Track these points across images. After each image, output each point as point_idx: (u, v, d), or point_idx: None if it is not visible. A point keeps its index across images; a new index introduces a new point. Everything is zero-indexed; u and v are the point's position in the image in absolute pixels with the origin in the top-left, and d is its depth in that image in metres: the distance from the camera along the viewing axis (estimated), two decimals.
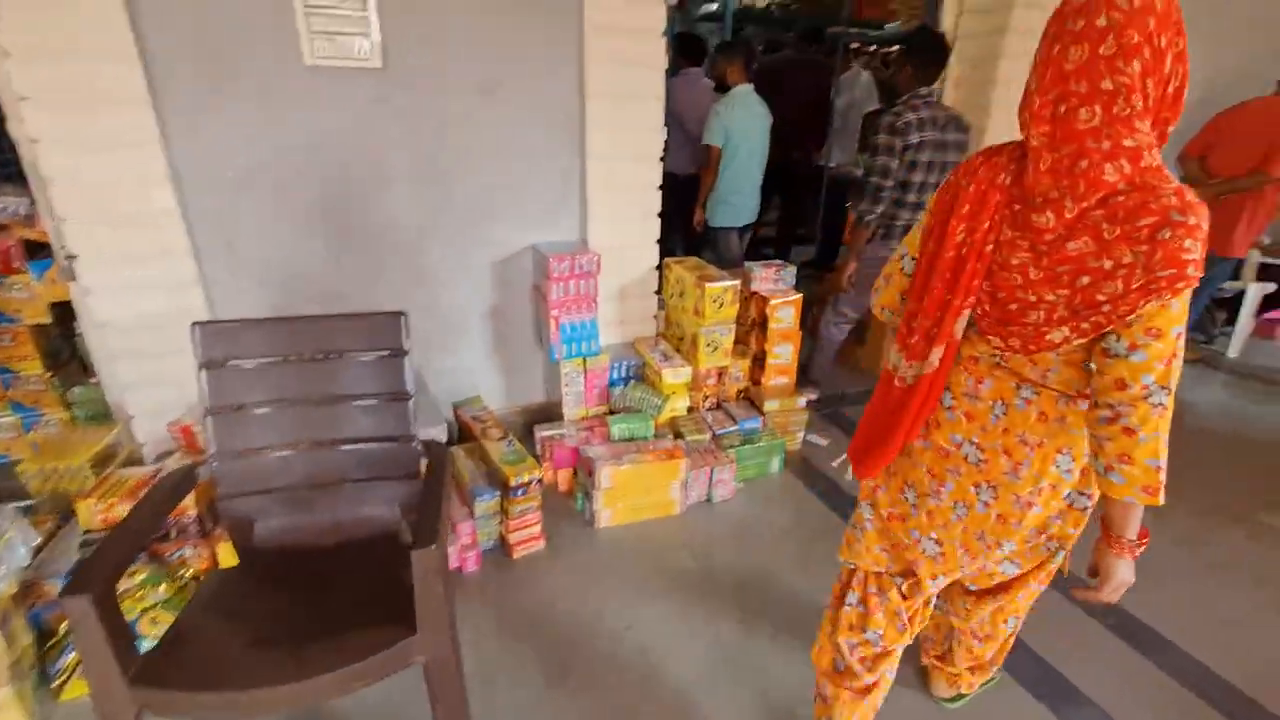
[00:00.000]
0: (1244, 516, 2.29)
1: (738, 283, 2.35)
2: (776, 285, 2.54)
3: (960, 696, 1.54)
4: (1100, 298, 0.86)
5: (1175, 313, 0.84)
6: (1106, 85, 0.83)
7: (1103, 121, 0.84)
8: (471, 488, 1.91)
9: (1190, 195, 0.83)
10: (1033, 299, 0.93)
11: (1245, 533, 2.21)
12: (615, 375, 2.47)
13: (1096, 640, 1.75)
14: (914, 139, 2.23)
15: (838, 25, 4.53)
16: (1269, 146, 3.04)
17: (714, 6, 5.34)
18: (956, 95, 3.08)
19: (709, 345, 2.39)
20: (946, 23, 3.03)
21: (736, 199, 3.16)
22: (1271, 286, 3.55)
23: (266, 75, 1.85)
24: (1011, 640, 1.43)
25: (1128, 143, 0.84)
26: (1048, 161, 0.89)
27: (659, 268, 2.58)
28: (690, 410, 2.49)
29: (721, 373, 2.50)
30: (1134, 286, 0.83)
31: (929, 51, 2.30)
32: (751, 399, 2.58)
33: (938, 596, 1.36)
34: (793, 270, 2.56)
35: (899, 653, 1.29)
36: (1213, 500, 2.35)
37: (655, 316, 2.67)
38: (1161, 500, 0.88)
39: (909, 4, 4.90)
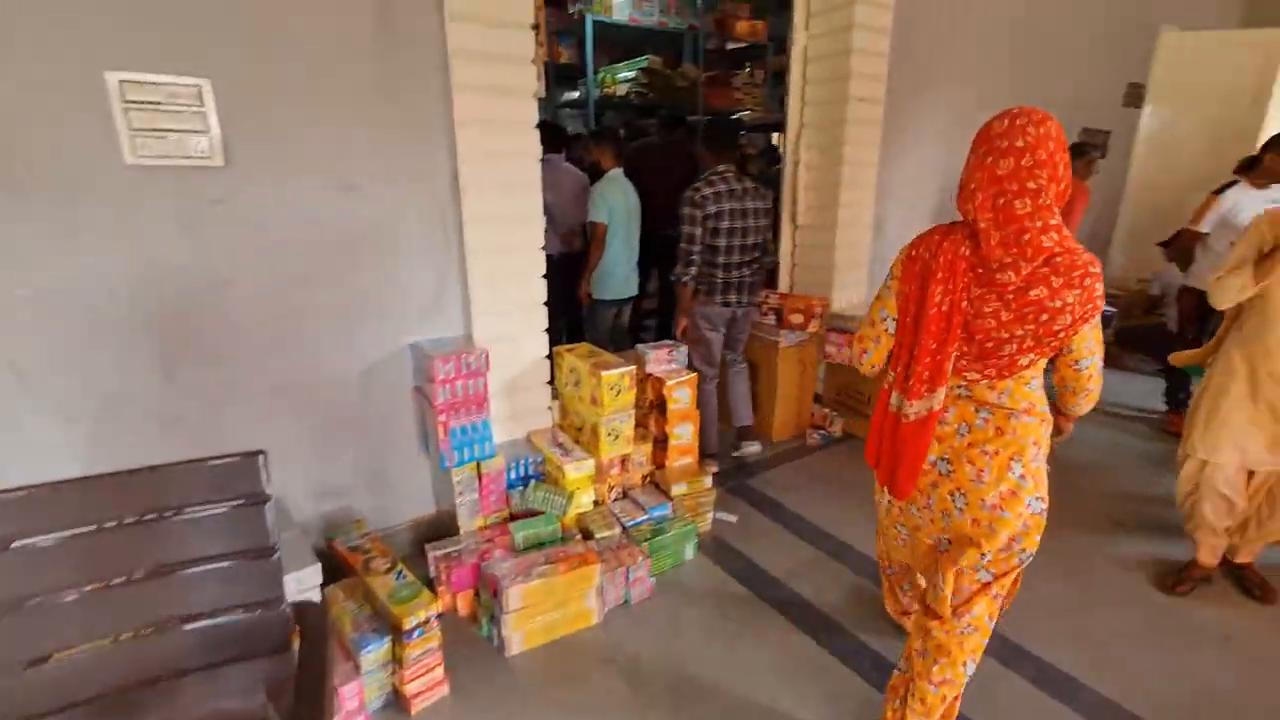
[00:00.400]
0: (1101, 545, 2.52)
1: (633, 368, 2.30)
2: (670, 366, 2.52)
3: None
4: (1056, 328, 1.21)
5: (1097, 330, 1.26)
6: (1031, 185, 1.18)
7: (1033, 209, 1.18)
8: (355, 637, 1.63)
9: (1071, 244, 1.20)
10: (1006, 335, 1.24)
11: (1106, 559, 2.43)
12: (514, 476, 2.29)
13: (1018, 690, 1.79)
14: (711, 209, 2.57)
15: (695, 114, 4.88)
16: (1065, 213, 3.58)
17: (576, 94, 5.56)
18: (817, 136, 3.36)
19: (610, 434, 2.29)
20: (792, 108, 3.33)
21: (617, 273, 3.31)
22: None
23: (74, 176, 1.58)
24: (956, 707, 1.47)
25: (1052, 221, 1.19)
26: (996, 238, 1.21)
27: (549, 356, 2.48)
28: (596, 504, 2.36)
29: (625, 460, 2.41)
30: (1077, 317, 1.20)
31: (720, 139, 2.71)
32: (657, 483, 2.50)
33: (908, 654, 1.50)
34: (684, 350, 2.56)
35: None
36: (1078, 527, 2.57)
37: (550, 407, 2.54)
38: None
39: (751, 94, 5.41)
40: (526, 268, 2.32)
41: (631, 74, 5.12)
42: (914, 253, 1.33)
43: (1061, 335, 1.22)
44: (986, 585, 1.37)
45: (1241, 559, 2.18)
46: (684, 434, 2.51)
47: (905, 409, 1.33)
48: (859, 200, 3.34)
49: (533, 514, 2.19)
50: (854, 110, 3.13)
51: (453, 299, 2.23)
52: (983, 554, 1.32)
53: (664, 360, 2.50)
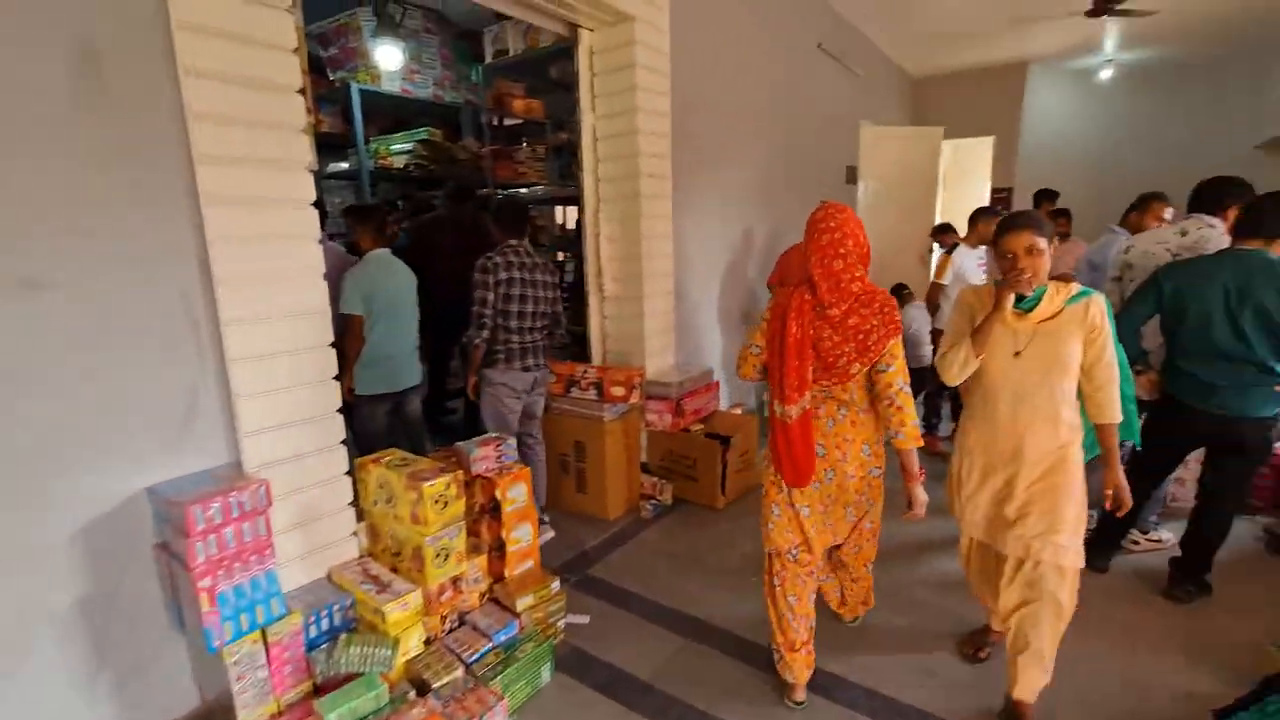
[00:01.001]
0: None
1: (458, 471, 2.00)
2: (501, 462, 2.25)
3: (857, 618, 2.34)
4: (870, 343, 1.75)
5: (899, 345, 1.77)
6: (842, 250, 1.74)
7: (845, 266, 1.75)
8: None
9: (874, 289, 1.80)
10: (839, 352, 1.76)
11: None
12: (316, 633, 1.80)
13: None
14: (503, 275, 2.70)
15: (484, 187, 4.74)
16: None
17: (345, 165, 5.08)
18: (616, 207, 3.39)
19: (439, 555, 1.94)
20: (586, 170, 3.37)
21: (390, 364, 2.89)
22: None
23: None
24: (870, 581, 2.29)
25: (859, 273, 1.78)
26: (825, 287, 1.76)
27: (350, 471, 2.06)
28: (429, 643, 1.96)
29: (457, 581, 2.05)
30: (882, 335, 1.74)
31: (512, 216, 2.85)
32: (499, 600, 2.18)
33: (830, 568, 2.24)
34: (513, 442, 2.32)
35: (811, 599, 1.96)
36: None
37: (355, 533, 2.09)
38: (922, 443, 1.84)
39: (535, 168, 5.47)
40: (312, 371, 1.91)
41: (409, 145, 4.83)
42: (775, 302, 1.88)
43: (874, 348, 1.76)
44: (863, 529, 2.04)
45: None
46: (523, 537, 2.24)
47: (787, 412, 1.82)
48: (661, 270, 3.45)
49: (348, 678, 1.73)
50: (646, 186, 3.26)
51: (210, 420, 1.73)
52: (846, 506, 1.92)
53: (491, 456, 2.22)
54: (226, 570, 1.57)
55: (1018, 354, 1.74)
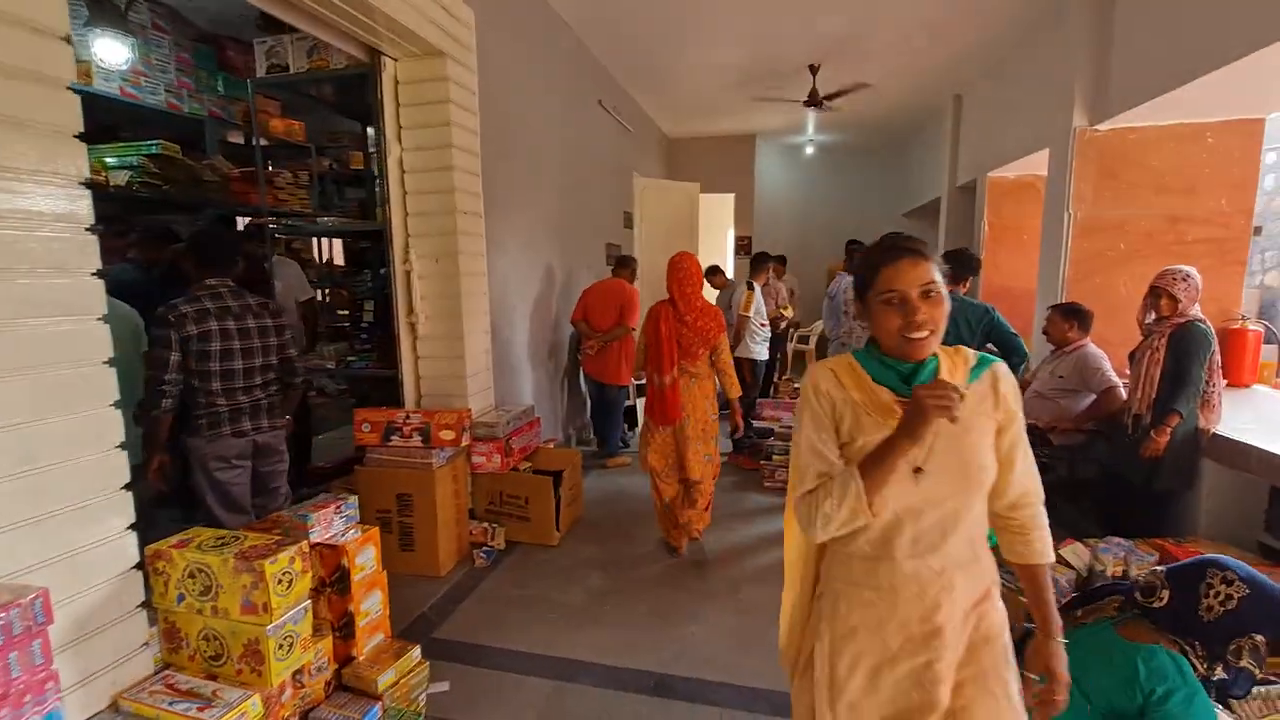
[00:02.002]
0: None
1: (302, 543, 1.71)
2: (346, 524, 1.97)
3: (697, 539, 3.27)
4: (709, 336, 2.98)
5: (725, 338, 3.07)
6: (692, 281, 3.03)
7: (694, 290, 3.02)
8: None
9: (708, 303, 3.05)
10: (691, 341, 2.97)
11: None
12: None
13: None
14: (191, 330, 2.22)
15: (247, 212, 4.09)
16: (620, 308, 4.40)
17: None
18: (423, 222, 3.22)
19: (282, 646, 1.63)
20: (392, 193, 3.17)
21: None
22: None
23: None
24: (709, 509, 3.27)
25: (703, 294, 3.08)
26: (682, 304, 2.97)
27: (140, 564, 1.62)
28: None
29: (298, 674, 1.74)
30: (716, 331, 3.01)
31: (211, 249, 2.39)
32: (350, 685, 1.88)
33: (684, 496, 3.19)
34: (354, 499, 2.04)
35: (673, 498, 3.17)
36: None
37: (147, 643, 1.64)
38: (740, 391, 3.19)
39: (297, 195, 4.88)
40: (92, 437, 1.49)
41: (133, 160, 3.96)
42: (652, 313, 3.03)
43: (711, 339, 3.00)
44: (711, 462, 3.12)
45: None
46: (374, 607, 1.98)
47: (663, 381, 2.98)
48: (479, 308, 3.37)
49: None
50: (463, 222, 3.19)
51: None
52: (697, 440, 3.04)
53: (331, 519, 1.93)
54: None
55: (918, 470, 1.06)
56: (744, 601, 2.77)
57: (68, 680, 1.43)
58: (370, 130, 3.96)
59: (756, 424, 4.98)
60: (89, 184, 1.48)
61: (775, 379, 5.62)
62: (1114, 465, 3.11)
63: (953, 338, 2.90)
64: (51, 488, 1.41)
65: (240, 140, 5.31)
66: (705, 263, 4.62)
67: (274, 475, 2.52)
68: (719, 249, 10.16)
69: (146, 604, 1.64)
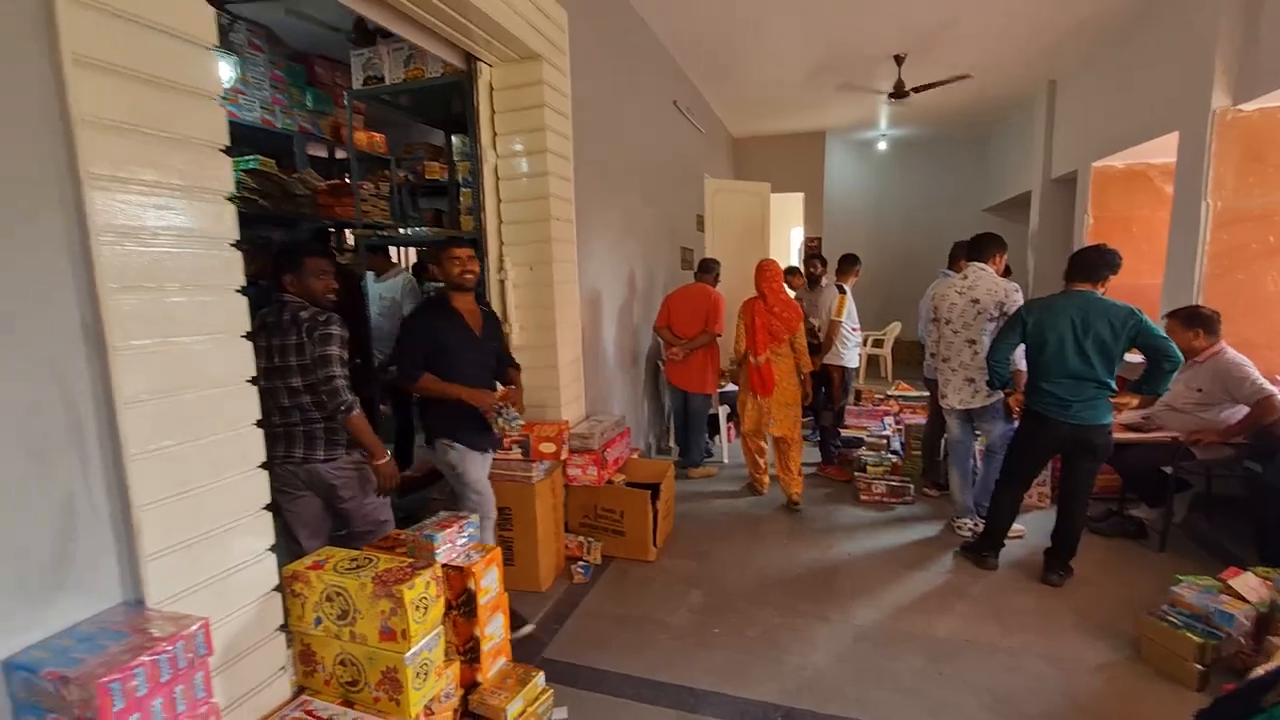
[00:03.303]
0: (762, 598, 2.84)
1: (435, 565, 1.64)
2: (464, 541, 1.90)
3: (798, 504, 3.86)
4: (792, 325, 3.80)
5: (803, 325, 3.87)
6: (778, 279, 3.89)
7: (780, 286, 3.89)
8: None
9: (790, 298, 3.92)
10: (777, 328, 3.78)
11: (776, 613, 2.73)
12: None
13: None
14: (259, 343, 2.04)
15: (335, 224, 4.16)
16: (706, 314, 4.26)
17: None
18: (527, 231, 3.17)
19: (419, 674, 1.56)
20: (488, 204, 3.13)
21: None
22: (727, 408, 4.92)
23: None
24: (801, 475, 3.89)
25: (783, 289, 3.90)
26: (770, 297, 3.81)
27: (279, 586, 1.59)
28: None
29: (432, 700, 1.67)
30: (796, 320, 3.81)
31: (286, 260, 2.22)
32: (477, 713, 1.81)
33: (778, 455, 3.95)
34: (475, 519, 1.97)
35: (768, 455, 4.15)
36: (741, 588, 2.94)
37: (284, 667, 1.61)
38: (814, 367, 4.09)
39: (378, 206, 4.96)
40: (239, 455, 1.46)
41: (235, 176, 4.07)
42: (745, 307, 3.85)
43: (792, 327, 3.78)
44: (795, 422, 3.85)
45: None
46: (497, 631, 1.90)
47: (757, 359, 3.77)
48: (571, 317, 3.30)
49: None
50: (556, 229, 3.12)
51: (93, 546, 1.21)
52: (786, 405, 3.82)
53: (455, 539, 1.86)
54: None
55: None
56: (861, 627, 2.59)
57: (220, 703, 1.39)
58: (454, 139, 3.98)
59: (845, 433, 4.75)
60: (231, 198, 1.45)
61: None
62: (1273, 481, 2.78)
63: (1095, 343, 2.68)
64: (201, 510, 1.38)
65: (323, 153, 5.45)
66: (781, 264, 4.60)
67: (350, 516, 2.25)
68: (783, 250, 9.93)
69: (284, 626, 1.60)
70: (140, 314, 1.25)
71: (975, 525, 3.35)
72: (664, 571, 3.08)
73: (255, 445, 1.51)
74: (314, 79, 4.81)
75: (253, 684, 1.50)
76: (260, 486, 1.52)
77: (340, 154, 5.35)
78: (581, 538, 3.12)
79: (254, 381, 1.50)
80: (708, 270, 4.55)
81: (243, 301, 1.47)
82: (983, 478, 3.41)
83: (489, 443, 2.58)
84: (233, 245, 1.45)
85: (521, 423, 2.49)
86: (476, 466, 2.54)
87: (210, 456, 1.39)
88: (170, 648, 1.12)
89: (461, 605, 1.83)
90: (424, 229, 3.94)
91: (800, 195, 8.49)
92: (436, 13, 2.48)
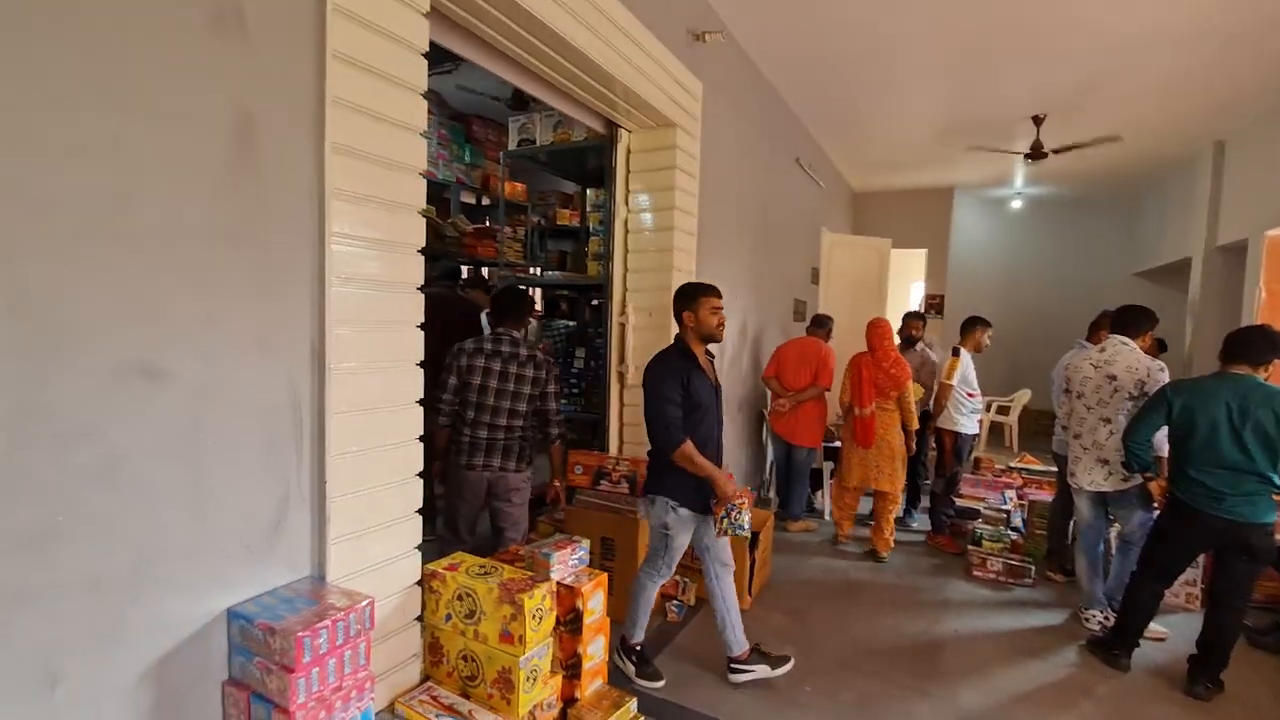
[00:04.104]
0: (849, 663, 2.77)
1: (551, 581, 1.83)
2: (576, 564, 2.08)
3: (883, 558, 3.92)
4: (899, 382, 3.84)
5: (910, 382, 3.90)
6: (888, 336, 3.97)
7: (891, 345, 3.95)
8: None
9: (900, 356, 3.97)
10: (884, 385, 3.85)
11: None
12: None
13: None
14: (464, 362, 2.61)
15: (469, 264, 4.68)
16: (815, 368, 4.27)
17: None
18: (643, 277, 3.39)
19: (529, 678, 1.73)
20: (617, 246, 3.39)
21: None
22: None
23: None
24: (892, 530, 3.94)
25: (895, 349, 3.96)
26: (879, 352, 3.90)
27: (420, 581, 1.83)
28: None
29: (536, 707, 1.83)
30: (904, 378, 3.85)
31: (507, 301, 2.74)
32: None
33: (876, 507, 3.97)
34: (586, 543, 2.15)
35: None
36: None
37: (416, 654, 1.84)
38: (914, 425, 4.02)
39: (513, 248, 5.48)
40: (403, 465, 1.73)
41: None
42: (854, 362, 3.95)
43: (900, 384, 3.83)
44: (896, 473, 3.90)
45: None
46: (598, 652, 2.05)
47: (864, 411, 3.85)
48: None
49: None
50: (677, 280, 3.32)
51: (297, 525, 1.50)
52: (891, 459, 3.87)
53: (567, 561, 2.05)
54: (328, 711, 1.32)
55: None
56: (966, 710, 2.46)
57: None
58: (589, 192, 4.36)
59: (960, 502, 4.51)
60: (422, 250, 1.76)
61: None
62: None
63: (1256, 433, 2.43)
64: (374, 506, 1.65)
65: (472, 200, 6.10)
66: (894, 320, 4.52)
67: (504, 514, 2.66)
68: (901, 307, 9.61)
69: (419, 619, 1.84)
70: (351, 342, 1.55)
71: (1106, 619, 3.07)
72: (756, 621, 3.08)
73: (416, 457, 1.78)
74: (471, 136, 5.45)
75: (390, 664, 1.74)
76: (415, 492, 1.78)
77: (485, 200, 5.99)
78: (677, 577, 3.21)
79: (420, 403, 1.78)
80: (820, 325, 4.57)
81: (419, 335, 1.77)
82: (1117, 569, 3.13)
83: (706, 510, 2.43)
84: (418, 289, 1.76)
85: (747, 531, 2.39)
86: (686, 534, 2.46)
87: (384, 462, 1.67)
88: (347, 617, 1.37)
89: (569, 622, 1.99)
90: (555, 271, 4.28)
91: (923, 251, 8.26)
92: (586, 87, 2.81)
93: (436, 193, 5.27)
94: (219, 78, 1.29)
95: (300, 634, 1.26)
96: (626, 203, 3.39)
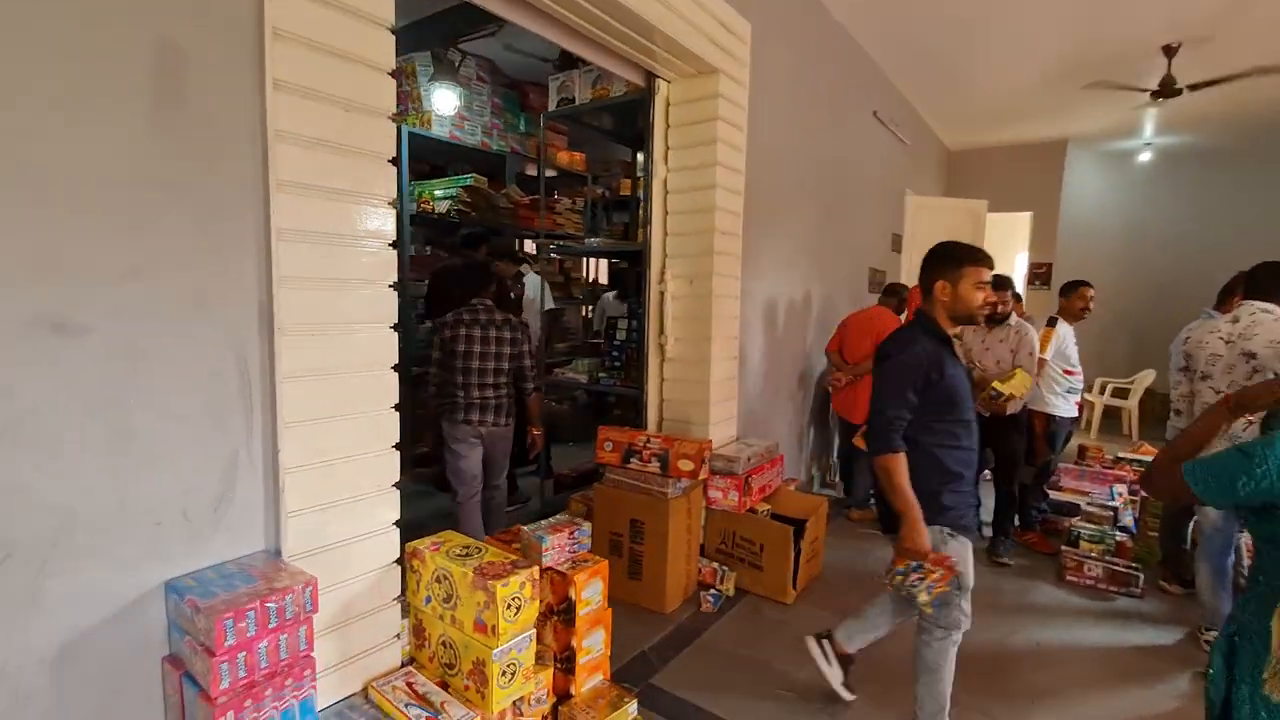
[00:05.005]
0: None
1: (534, 568, 1.66)
2: (574, 551, 1.91)
3: None
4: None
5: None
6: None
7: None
8: None
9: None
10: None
11: None
12: None
13: None
14: (447, 334, 2.89)
15: (516, 235, 4.61)
16: (877, 339, 3.84)
17: None
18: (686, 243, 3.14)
19: (505, 673, 1.58)
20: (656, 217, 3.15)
21: None
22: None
23: None
24: None
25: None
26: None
27: (401, 560, 1.72)
28: None
29: (519, 703, 1.68)
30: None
31: (474, 275, 3.04)
32: None
33: None
34: (588, 527, 1.97)
35: None
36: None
37: (398, 635, 1.73)
38: None
39: (571, 219, 5.32)
40: (373, 437, 1.61)
41: (452, 191, 4.67)
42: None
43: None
44: None
45: None
46: (595, 645, 1.87)
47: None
48: (728, 332, 3.19)
49: None
50: (720, 242, 3.04)
51: (249, 497, 1.41)
52: None
53: (564, 545, 1.88)
54: (255, 699, 1.22)
55: None
56: None
57: (329, 661, 1.54)
58: (640, 156, 4.11)
59: (1055, 496, 3.96)
60: (393, 204, 1.61)
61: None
62: None
63: None
64: (338, 479, 1.53)
65: (534, 172, 6.00)
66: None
67: (493, 462, 3.01)
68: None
69: (401, 597, 1.73)
70: (305, 302, 1.43)
71: None
72: (801, 618, 2.81)
73: (391, 427, 1.65)
74: (525, 104, 5.31)
75: (364, 646, 1.63)
76: (392, 466, 1.66)
77: (548, 173, 5.88)
78: (716, 564, 2.98)
79: (395, 369, 1.64)
80: (892, 294, 4.12)
81: (394, 295, 1.63)
82: None
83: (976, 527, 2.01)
84: (391, 245, 1.61)
85: (927, 600, 1.79)
86: (969, 563, 1.91)
87: (350, 433, 1.55)
88: (283, 599, 1.25)
89: (563, 611, 1.83)
90: (596, 241, 4.08)
91: (1027, 215, 7.37)
92: (622, 37, 2.57)
93: (493, 164, 5.20)
94: (137, 3, 1.17)
95: (223, 615, 1.16)
96: (666, 161, 3.13)
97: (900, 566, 1.81)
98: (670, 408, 3.23)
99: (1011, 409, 3.30)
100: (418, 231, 5.81)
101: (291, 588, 1.27)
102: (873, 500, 4.08)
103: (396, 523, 1.69)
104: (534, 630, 1.65)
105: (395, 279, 1.63)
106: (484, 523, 3.03)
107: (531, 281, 4.67)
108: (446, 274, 3.80)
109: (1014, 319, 3.46)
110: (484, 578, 1.56)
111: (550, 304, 4.53)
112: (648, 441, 2.83)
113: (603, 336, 3.92)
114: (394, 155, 1.58)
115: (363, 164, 1.52)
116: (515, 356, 2.95)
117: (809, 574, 3.09)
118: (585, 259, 6.37)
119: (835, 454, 4.58)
